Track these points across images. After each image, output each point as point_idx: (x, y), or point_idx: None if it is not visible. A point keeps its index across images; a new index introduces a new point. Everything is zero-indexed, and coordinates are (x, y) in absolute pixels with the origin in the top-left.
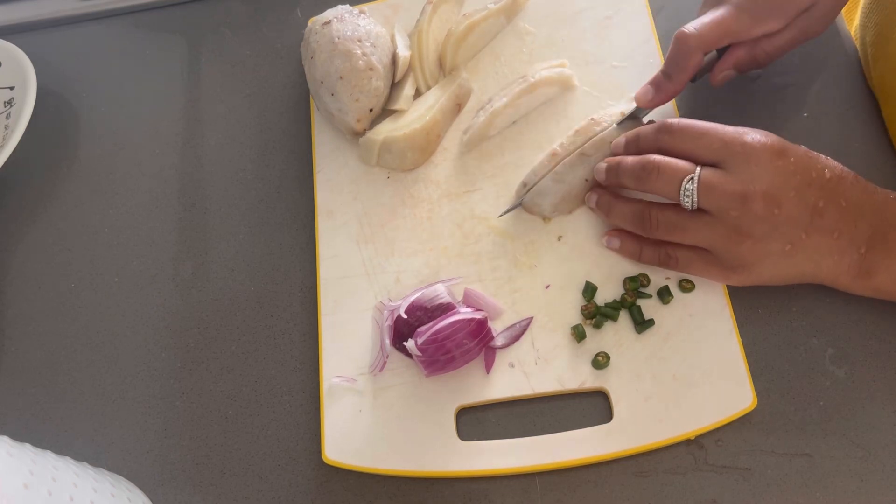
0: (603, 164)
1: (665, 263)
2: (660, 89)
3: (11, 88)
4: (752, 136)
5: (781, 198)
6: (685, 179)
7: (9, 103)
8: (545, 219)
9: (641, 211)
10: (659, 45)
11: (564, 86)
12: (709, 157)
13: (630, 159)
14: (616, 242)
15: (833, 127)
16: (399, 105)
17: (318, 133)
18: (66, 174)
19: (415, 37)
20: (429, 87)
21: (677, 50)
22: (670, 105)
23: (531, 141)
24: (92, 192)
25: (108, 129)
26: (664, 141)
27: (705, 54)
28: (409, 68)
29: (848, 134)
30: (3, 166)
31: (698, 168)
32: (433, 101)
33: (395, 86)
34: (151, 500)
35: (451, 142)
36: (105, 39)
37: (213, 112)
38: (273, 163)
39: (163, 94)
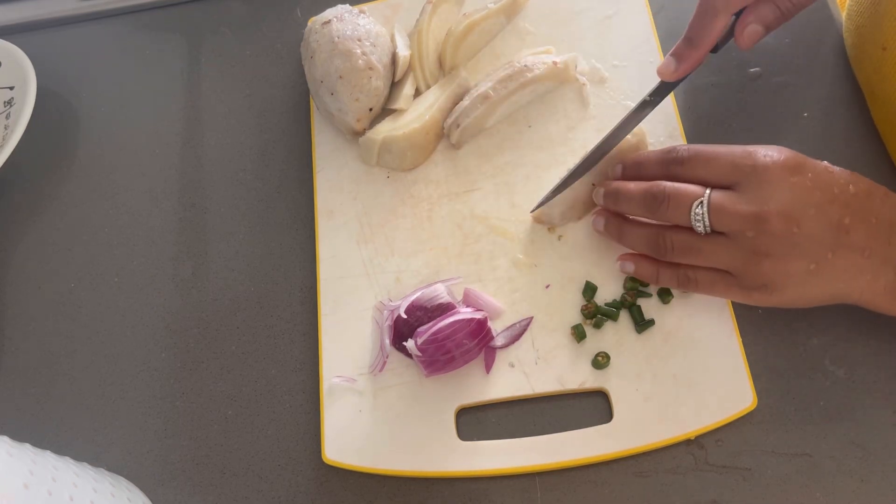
0: (601, 189)
1: (684, 285)
2: (682, 58)
3: (11, 88)
4: (765, 153)
5: (800, 215)
6: (695, 204)
7: (9, 103)
8: (551, 228)
9: (655, 235)
10: (659, 45)
11: (560, 79)
12: (721, 182)
13: (634, 186)
14: (630, 266)
15: (833, 127)
16: (399, 104)
17: (318, 133)
18: (66, 174)
19: (414, 36)
20: (429, 87)
21: (703, 11)
22: (674, 118)
23: (530, 140)
24: (92, 192)
25: (108, 129)
26: (674, 171)
27: (733, 15)
28: (409, 68)
29: (848, 134)
30: (3, 166)
31: (707, 191)
32: (433, 101)
33: (395, 85)
34: (151, 500)
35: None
36: (105, 39)
37: (213, 112)
38: (273, 163)
39: (163, 94)
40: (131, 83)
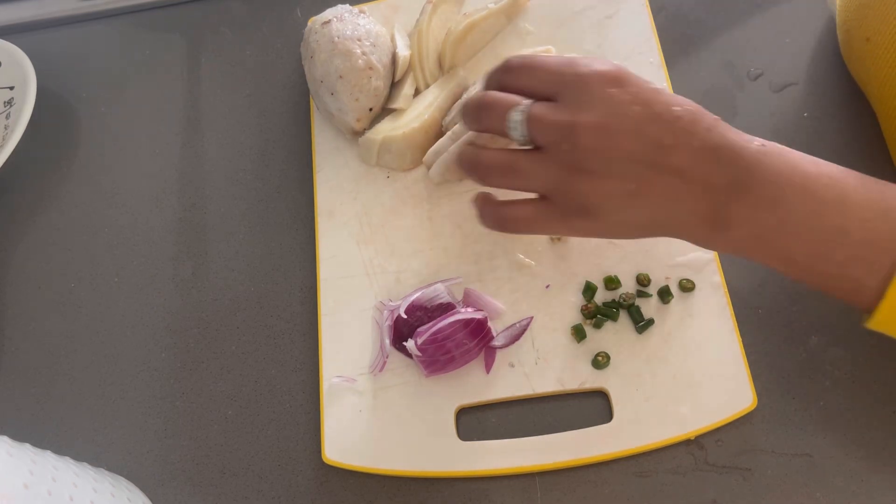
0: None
1: (503, 225)
2: None
3: (11, 88)
4: (588, 63)
5: (616, 128)
6: (512, 110)
7: (9, 103)
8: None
9: (473, 153)
10: (659, 45)
11: None
12: (544, 91)
13: (466, 100)
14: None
15: (833, 127)
16: (399, 104)
17: (318, 133)
18: (66, 174)
19: (414, 36)
20: (428, 86)
21: None
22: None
23: None
24: (92, 192)
25: (108, 129)
26: (504, 80)
27: None
28: (409, 68)
29: (848, 134)
30: (2, 166)
31: (527, 101)
32: (431, 100)
33: (395, 85)
34: (151, 500)
35: None
36: (105, 39)
37: (213, 112)
38: (273, 163)
39: (163, 94)
40: (131, 83)
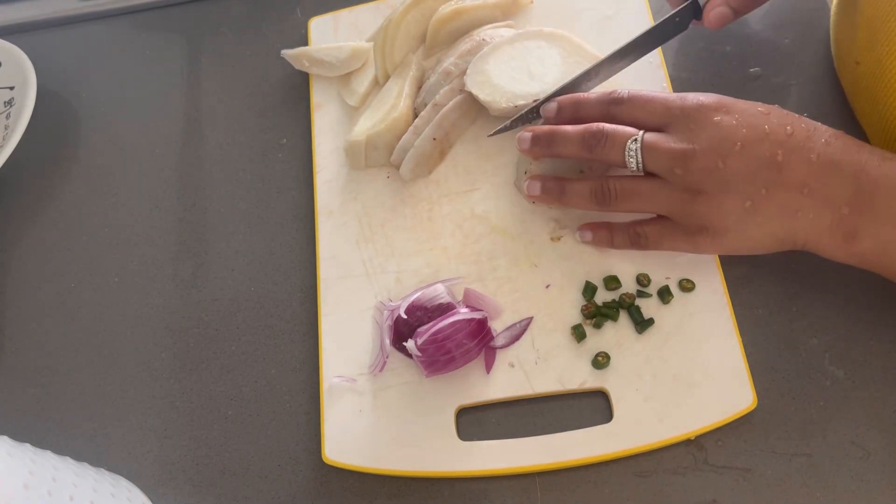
0: (527, 133)
1: (636, 243)
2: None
3: (11, 88)
4: (694, 97)
5: (725, 152)
6: (629, 142)
7: (9, 103)
8: (554, 238)
9: (598, 184)
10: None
11: None
12: (654, 123)
13: (571, 128)
14: (588, 235)
15: (833, 127)
16: (353, 102)
17: (318, 133)
18: (66, 174)
19: (384, 25)
20: (388, 78)
21: None
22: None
23: None
24: (92, 192)
25: (108, 129)
26: (612, 111)
27: None
28: (365, 63)
29: (848, 134)
30: (3, 166)
31: (641, 131)
32: (398, 90)
33: (347, 78)
34: (151, 500)
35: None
36: (105, 39)
37: (213, 112)
38: (273, 163)
39: (163, 94)
40: (131, 83)
